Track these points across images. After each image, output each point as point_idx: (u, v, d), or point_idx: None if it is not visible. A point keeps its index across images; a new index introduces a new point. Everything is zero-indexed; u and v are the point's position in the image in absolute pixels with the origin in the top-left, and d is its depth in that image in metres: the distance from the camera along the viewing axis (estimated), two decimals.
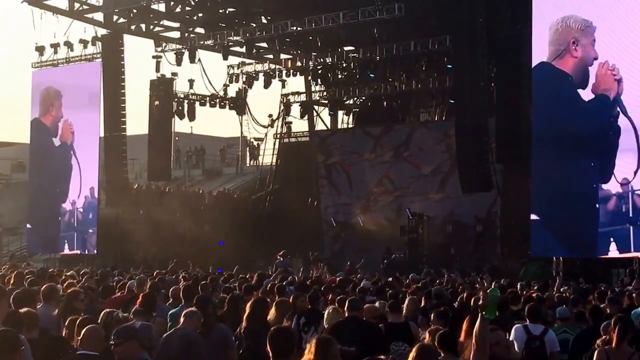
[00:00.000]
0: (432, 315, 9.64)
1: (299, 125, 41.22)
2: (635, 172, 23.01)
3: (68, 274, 17.80)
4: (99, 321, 7.75)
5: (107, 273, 18.39)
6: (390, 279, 18.93)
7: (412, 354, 6.08)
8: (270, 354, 5.40)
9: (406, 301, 10.92)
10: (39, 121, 37.25)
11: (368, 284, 15.54)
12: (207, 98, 38.60)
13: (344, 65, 36.61)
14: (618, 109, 23.36)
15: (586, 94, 24.03)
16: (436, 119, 37.53)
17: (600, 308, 9.98)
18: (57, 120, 36.23)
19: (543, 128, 25.13)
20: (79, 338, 6.85)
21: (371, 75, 36.09)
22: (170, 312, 10.17)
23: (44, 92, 37.05)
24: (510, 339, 9.18)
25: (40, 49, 36.87)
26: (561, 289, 16.39)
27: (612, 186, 23.44)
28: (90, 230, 34.69)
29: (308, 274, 24.69)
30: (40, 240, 36.86)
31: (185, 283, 12.75)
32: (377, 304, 10.99)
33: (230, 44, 35.83)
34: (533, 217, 25.00)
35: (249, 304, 9.00)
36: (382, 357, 6.15)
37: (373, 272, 26.32)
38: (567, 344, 9.71)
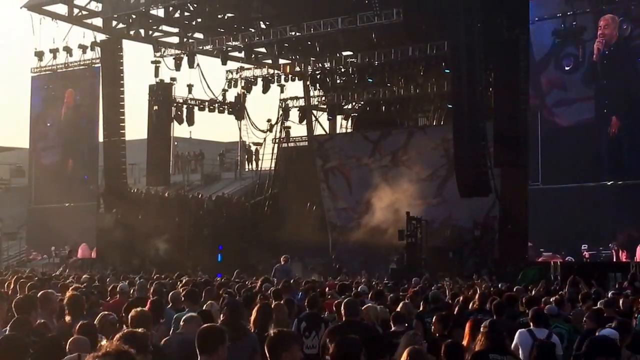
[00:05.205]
0: (433, 319, 9.64)
1: (298, 130, 41.40)
2: None
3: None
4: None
5: (106, 277, 18.45)
6: (389, 283, 18.94)
7: (403, 358, 6.08)
8: (268, 356, 5.39)
9: (400, 305, 10.92)
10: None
11: (365, 288, 15.58)
12: (206, 103, 38.69)
13: (343, 70, 36.76)
14: None
15: None
16: (434, 123, 37.63)
17: (601, 311, 10.06)
18: None
19: None
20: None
21: (369, 80, 36.20)
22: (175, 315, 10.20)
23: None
24: (514, 343, 9.20)
25: (39, 54, 36.99)
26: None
27: None
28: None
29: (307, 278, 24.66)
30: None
31: (188, 287, 12.70)
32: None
33: (229, 49, 35.91)
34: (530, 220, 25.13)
35: (254, 310, 9.00)
36: None
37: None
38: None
